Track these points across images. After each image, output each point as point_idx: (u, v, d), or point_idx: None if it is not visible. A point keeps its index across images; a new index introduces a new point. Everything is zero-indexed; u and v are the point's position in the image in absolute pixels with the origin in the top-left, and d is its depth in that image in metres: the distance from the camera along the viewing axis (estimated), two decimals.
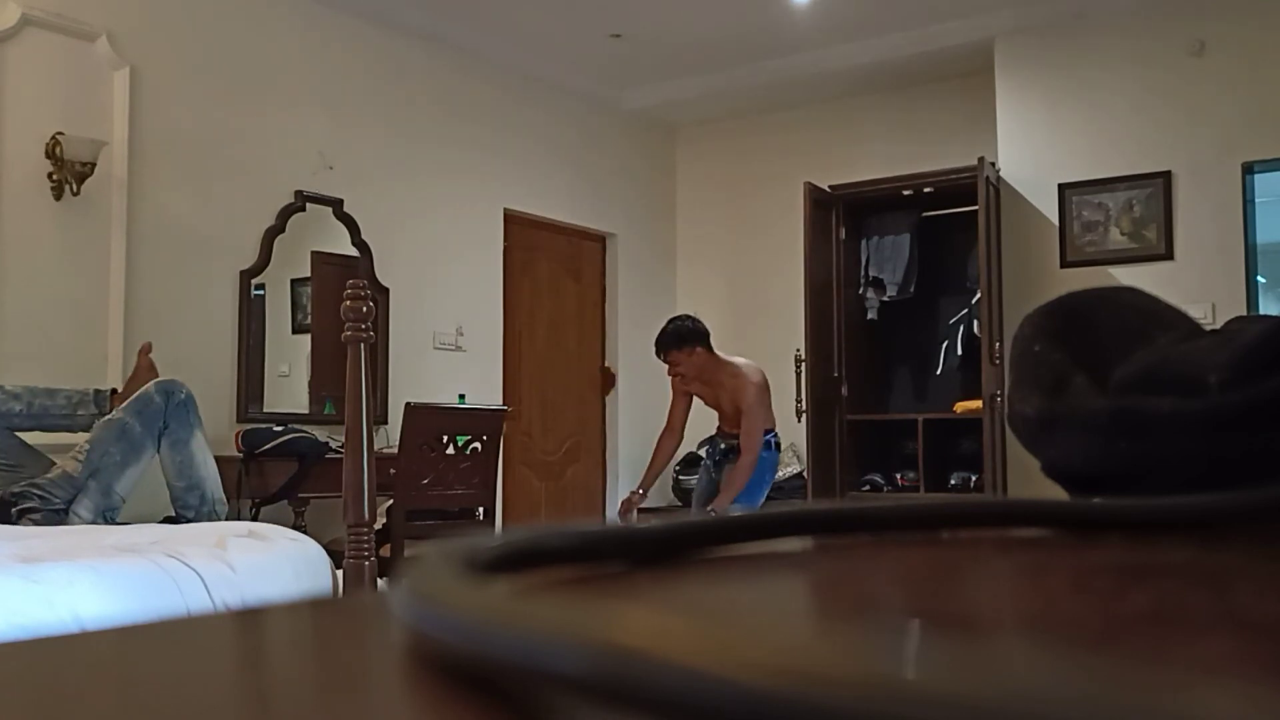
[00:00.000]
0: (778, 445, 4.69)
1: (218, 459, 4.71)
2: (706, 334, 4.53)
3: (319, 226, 5.36)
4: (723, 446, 4.71)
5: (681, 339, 4.48)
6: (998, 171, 5.81)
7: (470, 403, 5.19)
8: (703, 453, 5.01)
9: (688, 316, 4.67)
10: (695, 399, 4.70)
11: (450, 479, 4.13)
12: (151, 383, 3.61)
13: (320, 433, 4.79)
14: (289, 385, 5.28)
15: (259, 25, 5.15)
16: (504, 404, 5.43)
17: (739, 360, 4.63)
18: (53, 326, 4.34)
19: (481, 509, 4.33)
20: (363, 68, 5.59)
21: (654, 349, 4.53)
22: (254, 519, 4.21)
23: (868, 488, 6.22)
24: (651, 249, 7.37)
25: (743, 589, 0.31)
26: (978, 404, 5.59)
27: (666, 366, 4.54)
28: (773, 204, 6.91)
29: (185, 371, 4.75)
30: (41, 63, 4.38)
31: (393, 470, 4.00)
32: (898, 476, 6.21)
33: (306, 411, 5.24)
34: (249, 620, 0.28)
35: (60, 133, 4.29)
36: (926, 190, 6.07)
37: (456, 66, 6.07)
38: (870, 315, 6.35)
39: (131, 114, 4.61)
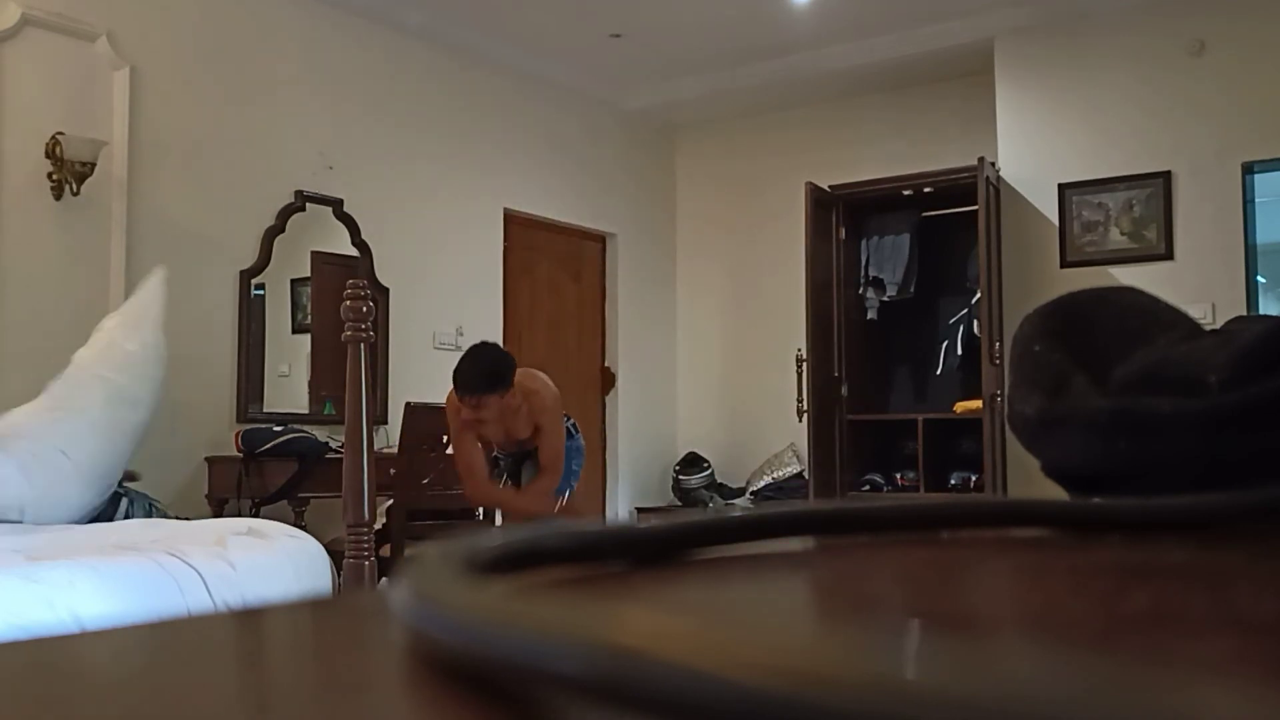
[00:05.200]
0: (572, 431, 3.91)
1: (218, 458, 4.73)
2: (513, 373, 3.60)
3: (319, 226, 5.36)
4: (516, 454, 3.90)
5: (499, 378, 3.53)
6: (998, 171, 5.81)
7: None
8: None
9: (494, 345, 3.78)
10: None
11: (450, 479, 4.12)
12: None
13: (320, 433, 4.79)
14: (289, 385, 5.28)
15: (259, 25, 5.15)
16: None
17: (522, 373, 3.70)
18: (53, 326, 4.34)
19: (481, 509, 4.33)
20: (363, 67, 5.59)
21: (456, 386, 3.58)
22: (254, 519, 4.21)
23: (868, 488, 6.22)
24: (652, 249, 7.37)
25: (743, 589, 0.31)
26: (978, 404, 5.60)
27: (467, 410, 3.57)
28: (773, 204, 6.91)
29: (185, 371, 4.76)
30: (41, 63, 4.38)
31: (393, 470, 4.00)
32: (898, 476, 6.21)
33: (306, 411, 5.24)
34: (249, 620, 0.28)
35: (60, 133, 4.29)
36: (926, 190, 6.07)
37: (456, 66, 6.07)
38: (870, 315, 6.36)
39: (131, 114, 4.61)
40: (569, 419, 3.95)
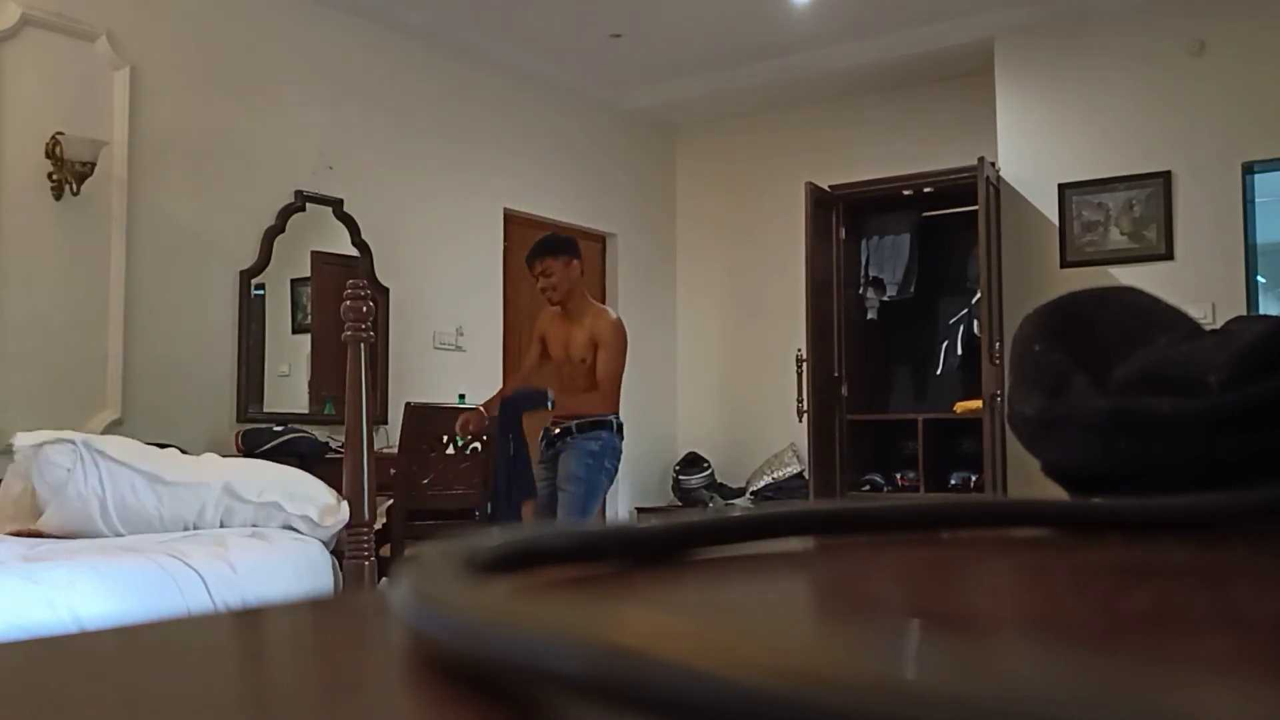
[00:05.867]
0: (621, 430, 4.22)
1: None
2: (579, 251, 4.17)
3: (319, 226, 5.36)
4: (556, 431, 4.16)
5: (558, 246, 4.10)
6: (998, 171, 5.81)
7: (470, 403, 5.18)
8: (538, 466, 4.24)
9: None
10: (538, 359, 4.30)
11: (450, 479, 4.13)
12: None
13: (320, 433, 4.79)
14: (289, 385, 5.28)
15: (259, 25, 5.15)
16: None
17: (599, 305, 4.33)
18: (53, 326, 4.34)
19: (481, 509, 4.32)
20: (363, 67, 5.59)
21: (527, 258, 4.16)
22: None
23: (868, 488, 6.22)
24: (652, 249, 7.37)
25: (743, 589, 0.31)
26: (978, 404, 5.60)
27: (539, 279, 4.09)
28: (773, 204, 6.91)
29: (185, 371, 4.77)
30: (41, 63, 4.38)
31: (393, 470, 4.00)
32: (898, 476, 6.21)
33: (306, 411, 5.24)
34: (249, 620, 0.28)
35: (60, 133, 4.29)
36: (926, 190, 6.07)
37: (457, 66, 6.07)
38: (870, 315, 6.36)
39: (131, 114, 4.61)
40: (618, 417, 4.19)
